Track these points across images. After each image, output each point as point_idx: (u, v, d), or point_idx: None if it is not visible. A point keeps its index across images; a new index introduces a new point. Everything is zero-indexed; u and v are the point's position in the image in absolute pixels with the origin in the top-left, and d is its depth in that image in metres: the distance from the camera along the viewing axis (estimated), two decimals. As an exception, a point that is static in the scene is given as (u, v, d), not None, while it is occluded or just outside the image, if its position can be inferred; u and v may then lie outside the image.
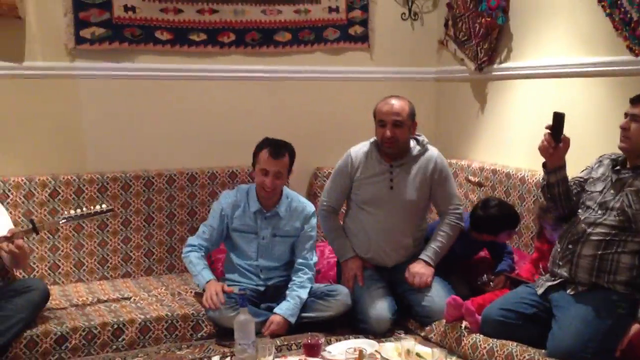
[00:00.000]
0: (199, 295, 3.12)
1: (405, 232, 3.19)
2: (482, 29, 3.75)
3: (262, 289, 3.13)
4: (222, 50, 3.86)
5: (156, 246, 3.63)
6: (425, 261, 3.13)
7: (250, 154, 3.14)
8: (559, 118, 2.56)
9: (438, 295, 3.01)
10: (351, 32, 4.12)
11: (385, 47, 4.19)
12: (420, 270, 3.10)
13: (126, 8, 3.63)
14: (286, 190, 3.22)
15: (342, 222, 3.33)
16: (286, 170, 3.10)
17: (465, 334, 2.72)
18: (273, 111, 3.99)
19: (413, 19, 4.22)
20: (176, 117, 3.80)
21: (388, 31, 4.18)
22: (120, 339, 2.91)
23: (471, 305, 2.72)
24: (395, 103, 3.13)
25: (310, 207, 3.21)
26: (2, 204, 3.21)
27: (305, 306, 3.03)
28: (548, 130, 2.58)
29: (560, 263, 2.63)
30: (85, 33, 3.56)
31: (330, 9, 4.06)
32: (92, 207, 3.05)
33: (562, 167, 2.63)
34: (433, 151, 3.24)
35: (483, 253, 3.30)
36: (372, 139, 3.25)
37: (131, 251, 3.57)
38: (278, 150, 3.06)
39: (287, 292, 3.04)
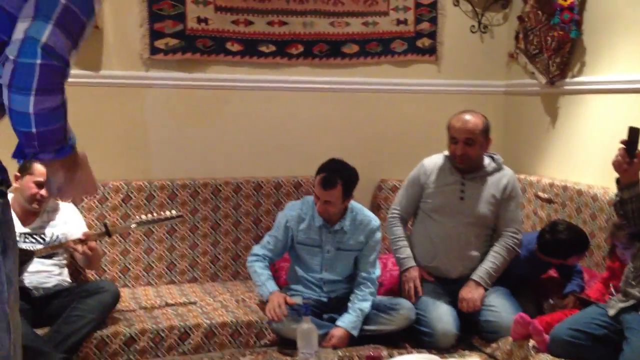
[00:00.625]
0: (262, 303, 3.15)
1: (471, 244, 3.14)
2: (554, 42, 3.67)
3: (324, 300, 3.13)
4: (290, 61, 3.90)
5: (222, 253, 3.69)
6: (476, 281, 3.07)
7: (316, 165, 3.12)
8: (634, 133, 2.49)
9: (505, 311, 2.94)
10: (419, 44, 4.11)
11: (453, 59, 4.16)
12: (468, 295, 3.03)
13: (199, 19, 3.71)
14: (351, 203, 3.15)
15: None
16: (337, 199, 3.01)
17: (533, 353, 2.65)
18: (339, 122, 4.00)
19: (482, 31, 4.18)
20: (244, 127, 3.86)
21: (456, 44, 4.15)
22: (186, 343, 2.97)
23: (539, 324, 2.65)
24: (469, 120, 3.09)
25: (375, 220, 3.17)
26: (77, 207, 3.33)
27: (367, 319, 3.01)
28: (622, 145, 2.51)
29: (633, 283, 2.54)
30: (160, 43, 3.67)
31: (399, 21, 4.06)
32: (162, 213, 3.13)
33: (637, 183, 2.55)
34: (507, 170, 3.21)
35: (551, 272, 3.21)
36: (445, 152, 3.23)
37: (198, 257, 3.64)
38: (328, 180, 2.97)
39: (349, 304, 3.03)
